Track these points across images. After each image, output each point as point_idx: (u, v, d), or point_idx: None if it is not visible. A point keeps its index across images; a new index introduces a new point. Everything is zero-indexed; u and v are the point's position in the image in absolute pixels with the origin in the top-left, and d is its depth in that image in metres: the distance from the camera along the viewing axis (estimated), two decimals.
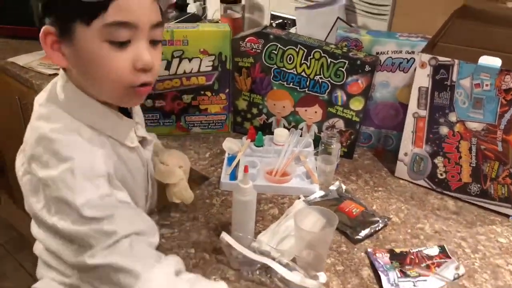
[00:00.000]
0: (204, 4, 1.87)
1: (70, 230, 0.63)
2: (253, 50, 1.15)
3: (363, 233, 0.90)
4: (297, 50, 1.11)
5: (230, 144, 1.14)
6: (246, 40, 1.15)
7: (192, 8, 1.85)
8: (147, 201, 0.90)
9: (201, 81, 1.20)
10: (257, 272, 0.79)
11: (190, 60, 1.17)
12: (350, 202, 0.97)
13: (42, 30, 0.64)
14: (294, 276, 0.75)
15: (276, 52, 1.13)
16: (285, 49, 1.12)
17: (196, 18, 1.76)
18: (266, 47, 1.13)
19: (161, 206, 0.97)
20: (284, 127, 1.22)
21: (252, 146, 1.14)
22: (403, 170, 1.10)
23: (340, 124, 1.15)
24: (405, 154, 1.07)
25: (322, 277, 0.74)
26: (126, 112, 0.81)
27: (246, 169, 0.80)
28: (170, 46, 1.14)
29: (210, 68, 1.19)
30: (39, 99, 0.72)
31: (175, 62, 1.16)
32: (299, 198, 1.01)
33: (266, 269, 0.78)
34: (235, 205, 0.83)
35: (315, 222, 0.83)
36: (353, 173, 1.13)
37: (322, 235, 0.81)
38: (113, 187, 0.68)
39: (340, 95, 1.11)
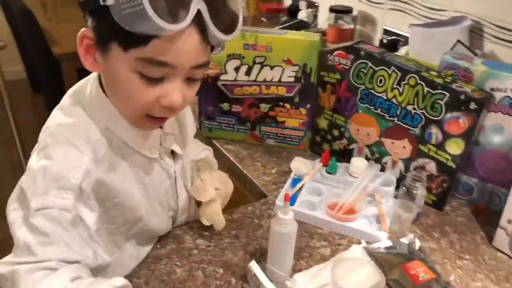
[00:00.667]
0: (316, 11, 1.78)
1: (13, 222, 0.60)
2: (341, 65, 1.03)
3: None
4: (389, 72, 0.95)
5: (299, 165, 1.03)
6: (334, 53, 1.03)
7: (303, 14, 1.77)
8: (176, 215, 0.86)
9: (281, 92, 1.12)
10: None
11: (272, 68, 1.09)
12: (420, 264, 0.80)
13: (81, 31, 0.61)
14: None
15: (365, 71, 0.99)
16: (376, 69, 0.97)
17: (304, 25, 1.67)
18: (356, 64, 1.00)
19: None
20: (366, 157, 1.07)
21: (323, 171, 1.02)
22: (503, 240, 0.87)
23: (432, 166, 0.96)
24: (509, 222, 0.85)
25: None
26: None
27: (287, 198, 0.70)
28: (252, 51, 1.07)
29: (292, 79, 1.10)
30: (70, 90, 0.71)
31: (256, 68, 1.09)
32: (359, 243, 0.86)
33: None
34: (272, 235, 0.73)
35: (363, 280, 0.69)
36: (437, 228, 0.93)
37: None
38: (83, 205, 0.63)
39: (435, 132, 0.93)
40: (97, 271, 0.64)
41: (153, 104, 0.62)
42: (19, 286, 0.55)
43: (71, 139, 0.63)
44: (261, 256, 0.81)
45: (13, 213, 0.61)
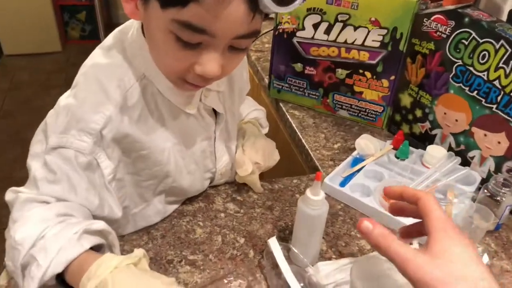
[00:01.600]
0: None
1: (32, 154, 0.60)
2: (438, 33, 0.85)
3: None
4: (497, 46, 0.76)
5: (365, 143, 0.90)
6: (432, 18, 0.85)
7: None
8: (213, 177, 0.81)
9: (363, 58, 0.97)
10: None
11: (355, 28, 0.94)
12: None
13: None
14: None
15: (466, 43, 0.80)
16: (481, 41, 0.78)
17: None
18: (456, 33, 0.82)
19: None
20: (449, 148, 0.89)
21: (392, 155, 0.88)
22: None
23: None
24: None
25: None
26: None
27: (318, 177, 0.59)
28: (336, 7, 0.94)
29: (377, 44, 0.94)
30: (116, 29, 0.66)
31: (337, 27, 0.96)
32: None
33: None
34: (298, 215, 0.64)
35: (390, 285, 0.57)
36: None
37: None
38: (102, 152, 0.59)
39: None
40: (109, 222, 0.62)
41: (187, 70, 0.56)
42: (12, 210, 0.56)
43: (103, 81, 0.60)
44: (290, 235, 0.72)
45: (35, 145, 0.61)
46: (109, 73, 0.61)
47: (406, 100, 0.96)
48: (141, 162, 0.66)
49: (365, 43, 0.95)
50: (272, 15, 1.04)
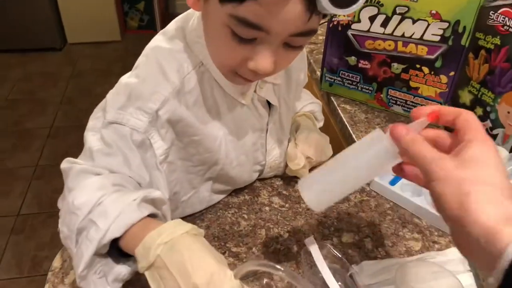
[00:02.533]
0: None
1: (89, 129, 0.62)
2: (505, 27, 0.79)
3: None
4: None
5: None
6: (499, 11, 0.80)
7: None
8: (263, 170, 0.81)
9: (421, 52, 0.93)
10: None
11: (414, 21, 0.90)
12: None
13: None
14: None
15: None
16: None
17: None
18: None
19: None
20: (511, 149, 0.84)
21: None
22: None
23: None
24: None
25: None
26: None
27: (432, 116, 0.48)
28: None
29: (437, 38, 0.90)
30: (179, 16, 0.67)
31: (395, 19, 0.92)
32: None
33: None
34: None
35: None
36: None
37: None
38: (156, 132, 0.60)
39: None
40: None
41: (241, 65, 0.57)
42: (67, 179, 0.58)
43: (163, 64, 0.62)
44: (334, 232, 0.71)
45: (94, 120, 0.64)
46: (169, 57, 0.63)
47: (465, 97, 0.91)
48: (193, 148, 0.67)
49: (424, 37, 0.91)
50: None
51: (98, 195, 0.53)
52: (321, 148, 0.81)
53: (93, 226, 0.51)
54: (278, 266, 0.49)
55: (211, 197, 0.76)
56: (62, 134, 2.47)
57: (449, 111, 0.47)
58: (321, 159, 0.81)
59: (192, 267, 0.47)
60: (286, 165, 0.80)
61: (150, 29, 3.66)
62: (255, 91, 0.71)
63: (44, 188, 2.07)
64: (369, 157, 0.50)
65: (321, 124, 0.94)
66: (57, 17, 3.29)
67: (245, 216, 0.75)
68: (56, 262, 0.65)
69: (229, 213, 0.75)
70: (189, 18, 0.65)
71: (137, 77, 0.62)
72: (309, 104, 0.91)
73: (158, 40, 0.66)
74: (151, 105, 0.59)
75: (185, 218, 0.73)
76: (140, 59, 0.65)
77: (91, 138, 0.60)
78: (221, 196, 0.78)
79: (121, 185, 0.57)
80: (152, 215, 0.56)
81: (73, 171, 0.58)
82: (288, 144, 0.82)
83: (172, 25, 0.66)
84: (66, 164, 0.60)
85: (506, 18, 0.79)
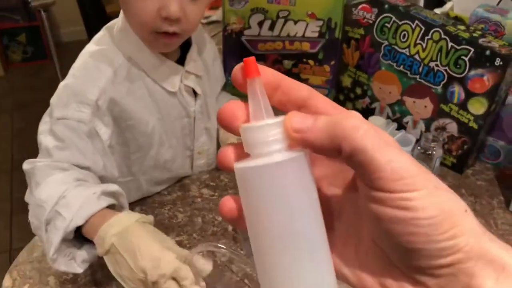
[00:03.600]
0: None
1: (40, 133, 0.68)
2: (365, 20, 0.98)
3: None
4: (413, 26, 0.90)
5: None
6: (359, 7, 0.98)
7: None
8: (192, 155, 0.89)
9: (305, 47, 1.09)
10: None
11: (295, 22, 1.06)
12: None
13: None
14: None
15: (389, 26, 0.94)
16: (400, 23, 0.92)
17: None
18: (379, 18, 0.95)
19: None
20: (387, 117, 1.03)
21: None
22: None
23: (453, 127, 0.91)
24: None
25: None
26: (182, 58, 0.81)
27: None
28: (276, 5, 1.05)
29: (316, 35, 1.07)
30: (104, 27, 0.77)
31: (279, 23, 1.07)
32: None
33: None
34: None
35: None
36: (453, 191, 0.89)
37: None
38: (99, 120, 0.69)
39: (457, 91, 0.87)
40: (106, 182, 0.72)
41: (154, 18, 0.66)
42: (34, 176, 0.64)
43: (96, 61, 0.71)
44: None
45: (43, 125, 0.70)
46: (101, 55, 0.72)
47: (346, 81, 1.09)
48: (129, 133, 0.76)
49: (305, 35, 1.07)
50: (219, 18, 1.14)
51: (62, 189, 0.60)
52: None
53: (59, 216, 0.58)
54: (221, 245, 0.60)
55: (148, 189, 0.84)
56: None
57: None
58: None
59: (140, 253, 0.56)
60: (215, 152, 0.91)
61: (37, 60, 3.49)
62: (181, 81, 0.80)
63: None
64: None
65: None
66: None
67: (181, 209, 0.83)
68: (7, 282, 0.67)
69: (165, 209, 0.83)
70: (114, 23, 0.75)
71: (73, 77, 0.71)
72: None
73: (88, 46, 0.75)
74: (90, 97, 0.68)
75: None
76: (75, 63, 0.73)
77: (45, 139, 0.67)
78: (158, 188, 0.86)
79: (83, 179, 0.64)
80: (112, 206, 0.63)
81: (36, 169, 0.64)
82: (218, 133, 0.93)
83: (100, 32, 0.76)
84: (27, 165, 0.66)
85: (365, 12, 0.97)
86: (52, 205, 0.59)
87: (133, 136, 0.77)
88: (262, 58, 1.13)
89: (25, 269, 0.69)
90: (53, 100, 0.70)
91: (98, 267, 0.68)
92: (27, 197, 0.65)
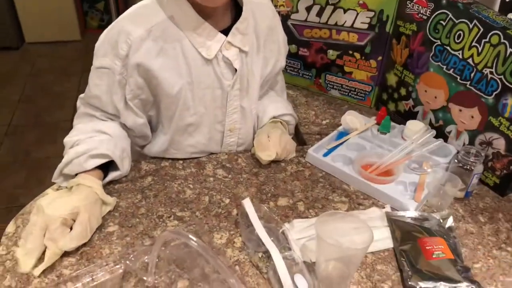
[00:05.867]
0: None
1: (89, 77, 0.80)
2: (419, 15, 0.90)
3: (424, 285, 0.64)
4: (470, 26, 0.81)
5: (350, 119, 0.96)
6: (414, 0, 0.90)
7: None
8: (223, 131, 0.88)
9: (352, 39, 1.03)
10: (260, 255, 0.67)
11: (345, 11, 1.00)
12: (441, 241, 0.70)
13: None
14: (286, 280, 0.60)
15: (444, 24, 0.85)
16: (456, 22, 0.83)
17: None
18: (435, 14, 0.87)
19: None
20: (430, 123, 0.95)
21: (374, 130, 0.94)
22: None
23: (500, 144, 0.81)
24: None
25: None
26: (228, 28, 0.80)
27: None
28: None
29: (365, 26, 1.00)
30: None
31: (328, 9, 1.02)
32: (383, 207, 0.79)
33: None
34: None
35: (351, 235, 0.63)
36: (487, 213, 0.80)
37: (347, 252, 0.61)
38: (127, 72, 0.75)
39: (510, 104, 0.77)
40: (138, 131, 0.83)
41: None
42: (75, 119, 0.84)
43: (134, 17, 0.76)
44: (271, 197, 0.79)
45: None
46: (140, 11, 0.77)
47: (392, 79, 1.02)
48: (155, 91, 0.79)
49: (354, 25, 1.01)
50: None
51: (75, 139, 0.78)
52: (288, 149, 0.89)
53: (68, 154, 0.76)
54: (191, 236, 0.58)
55: (169, 151, 0.87)
56: (20, 132, 2.45)
57: None
58: (285, 158, 0.89)
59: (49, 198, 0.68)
60: (248, 133, 0.91)
61: None
62: (220, 51, 0.78)
63: (2, 184, 2.06)
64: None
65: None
66: (14, 16, 3.24)
67: (191, 186, 0.81)
68: (10, 228, 0.70)
69: (175, 183, 0.82)
70: None
71: (113, 28, 0.76)
72: (288, 115, 0.96)
73: (138, 2, 0.78)
74: (121, 52, 0.74)
75: (134, 190, 0.80)
76: (122, 15, 0.78)
77: (89, 81, 0.80)
78: (178, 154, 0.87)
79: (100, 131, 0.79)
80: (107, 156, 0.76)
81: (78, 112, 0.83)
82: (257, 120, 0.92)
83: None
84: (78, 102, 0.84)
85: (420, 7, 0.89)
86: (68, 148, 0.78)
87: (161, 94, 0.79)
88: (306, 45, 1.09)
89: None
90: (97, 44, 0.77)
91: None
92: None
